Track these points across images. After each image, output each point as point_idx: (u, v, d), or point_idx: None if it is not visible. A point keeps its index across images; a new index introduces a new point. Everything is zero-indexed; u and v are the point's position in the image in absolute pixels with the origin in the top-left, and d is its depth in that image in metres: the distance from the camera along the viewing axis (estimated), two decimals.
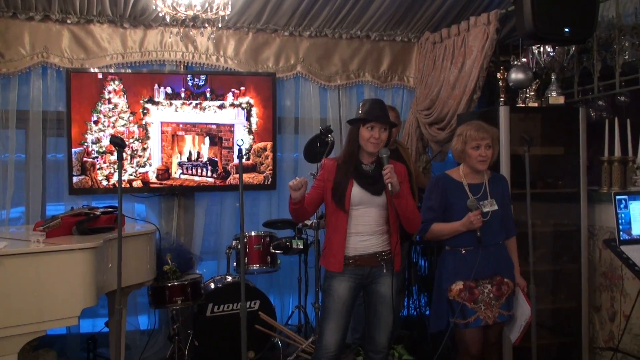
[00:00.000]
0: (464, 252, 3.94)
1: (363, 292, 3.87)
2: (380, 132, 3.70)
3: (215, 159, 5.80)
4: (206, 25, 5.10)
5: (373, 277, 3.79)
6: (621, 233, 3.71)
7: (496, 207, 3.95)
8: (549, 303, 5.10)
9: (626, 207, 3.74)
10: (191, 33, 5.77)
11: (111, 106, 5.58)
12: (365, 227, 3.75)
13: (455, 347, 4.15)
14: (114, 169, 5.56)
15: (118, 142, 3.33)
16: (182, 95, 5.73)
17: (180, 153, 5.74)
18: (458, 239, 3.95)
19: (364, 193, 3.69)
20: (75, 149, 5.51)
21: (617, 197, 3.74)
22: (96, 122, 5.55)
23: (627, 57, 4.94)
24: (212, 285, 5.43)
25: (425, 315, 5.81)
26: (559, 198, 5.10)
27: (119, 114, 5.60)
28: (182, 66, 5.87)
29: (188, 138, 5.76)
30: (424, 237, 4.12)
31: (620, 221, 3.71)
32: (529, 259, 3.87)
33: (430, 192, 4.04)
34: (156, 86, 5.67)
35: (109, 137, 5.23)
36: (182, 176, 5.75)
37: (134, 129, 5.63)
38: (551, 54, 5.09)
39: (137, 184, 5.65)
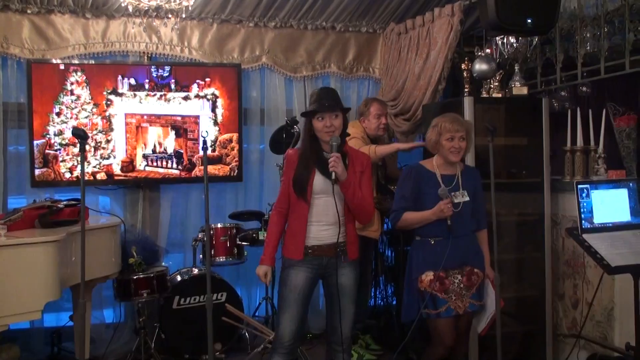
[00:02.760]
0: (433, 242, 3.98)
1: (323, 283, 3.88)
2: (332, 120, 3.68)
3: (181, 150, 5.76)
4: (170, 15, 5.06)
5: (332, 268, 3.76)
6: (583, 222, 3.75)
7: (467, 199, 4.00)
8: (513, 291, 5.16)
9: (588, 195, 3.78)
10: (154, 24, 5.71)
11: (74, 97, 5.49)
12: (326, 217, 3.74)
13: (424, 337, 4.18)
14: (77, 161, 5.48)
15: (80, 134, 3.29)
16: (146, 86, 5.66)
17: (145, 145, 5.68)
18: (428, 229, 3.99)
19: (325, 181, 3.67)
20: (37, 141, 5.42)
21: (579, 186, 3.78)
22: (58, 114, 5.46)
23: (588, 48, 5.00)
24: (179, 278, 5.41)
25: (392, 305, 5.85)
26: (522, 188, 5.15)
27: (81, 106, 5.51)
28: (145, 57, 5.80)
29: (153, 130, 5.70)
30: (396, 226, 4.13)
31: (582, 210, 3.76)
32: (494, 248, 3.90)
33: (403, 181, 4.08)
34: (120, 77, 5.59)
35: (71, 129, 5.15)
36: (147, 168, 5.69)
37: (97, 120, 5.56)
38: (514, 45, 5.14)
39: (101, 176, 5.58)
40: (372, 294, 5.94)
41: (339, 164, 3.56)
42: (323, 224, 3.75)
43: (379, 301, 6.04)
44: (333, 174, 3.56)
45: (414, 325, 3.98)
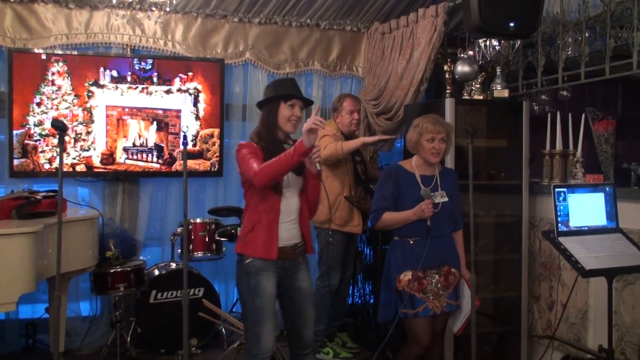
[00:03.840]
0: (412, 242, 4.01)
1: (281, 288, 3.64)
2: (299, 112, 3.63)
3: (162, 144, 5.74)
4: (153, 8, 5.03)
5: (292, 271, 3.64)
6: (559, 225, 3.78)
7: (447, 199, 4.05)
8: (490, 292, 5.19)
9: (565, 199, 3.81)
10: (138, 16, 5.68)
11: (55, 88, 5.45)
12: (290, 214, 3.62)
13: (401, 336, 4.20)
14: (56, 152, 5.44)
15: (59, 126, 3.26)
16: (129, 79, 5.63)
17: (126, 138, 5.65)
18: (407, 229, 4.02)
19: (292, 175, 3.57)
20: (17, 131, 5.37)
21: (557, 189, 3.81)
22: (39, 104, 5.42)
23: (570, 52, 5.04)
24: (156, 272, 5.40)
25: (369, 303, 5.88)
26: (502, 189, 5.19)
27: (62, 97, 5.48)
28: (129, 49, 5.77)
29: (134, 123, 5.67)
30: (375, 226, 4.16)
31: (558, 213, 3.78)
32: (471, 249, 3.93)
33: (384, 181, 4.10)
34: (102, 69, 5.56)
35: (51, 120, 5.11)
36: (127, 161, 5.66)
37: (78, 112, 5.52)
38: (497, 48, 5.16)
39: (80, 168, 5.55)
40: (350, 292, 5.95)
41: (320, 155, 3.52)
42: (289, 222, 3.61)
43: (357, 299, 6.06)
44: (317, 165, 3.51)
45: (392, 325, 4.00)
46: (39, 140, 5.44)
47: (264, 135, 3.62)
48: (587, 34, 4.86)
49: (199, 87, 5.81)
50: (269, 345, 3.53)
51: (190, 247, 5.45)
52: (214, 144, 5.86)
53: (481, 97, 5.15)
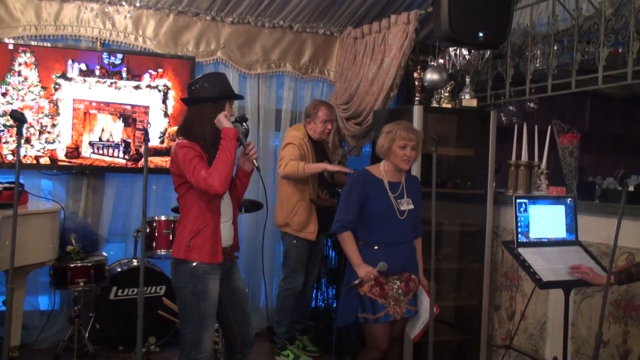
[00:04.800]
0: (376, 248, 4.01)
1: (221, 289, 3.57)
2: (232, 109, 3.61)
3: (128, 140, 5.68)
4: (123, 3, 4.97)
5: (230, 271, 3.63)
6: (519, 235, 3.80)
7: (412, 207, 4.08)
8: (452, 300, 5.22)
9: (526, 210, 3.84)
10: (108, 10, 5.61)
11: (21, 79, 5.36)
12: (227, 214, 3.60)
13: (361, 341, 4.20)
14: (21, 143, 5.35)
15: (18, 117, 3.19)
16: (97, 72, 5.56)
17: (92, 132, 5.58)
18: (372, 236, 4.04)
19: None
20: None
21: (518, 200, 3.83)
22: (4, 95, 5.33)
23: (538, 64, 5.09)
24: (118, 269, 5.35)
25: (332, 307, 5.86)
26: (467, 198, 5.22)
27: (28, 88, 5.39)
28: (98, 43, 5.69)
29: (101, 117, 5.60)
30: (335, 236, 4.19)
31: (519, 224, 3.81)
32: (431, 257, 3.94)
33: (352, 187, 4.08)
34: (70, 62, 5.48)
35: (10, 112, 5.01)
36: (93, 156, 5.59)
37: (44, 104, 5.44)
38: (467, 57, 5.19)
39: (44, 160, 5.46)
40: (313, 296, 5.94)
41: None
42: (226, 222, 3.58)
43: (320, 303, 6.05)
44: (255, 162, 3.53)
45: (351, 329, 4.00)
46: (3, 131, 5.35)
47: (206, 131, 3.50)
48: (555, 47, 4.91)
49: (169, 84, 5.77)
50: (208, 349, 3.52)
51: (154, 245, 5.38)
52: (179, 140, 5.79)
53: (450, 106, 5.17)
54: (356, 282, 3.95)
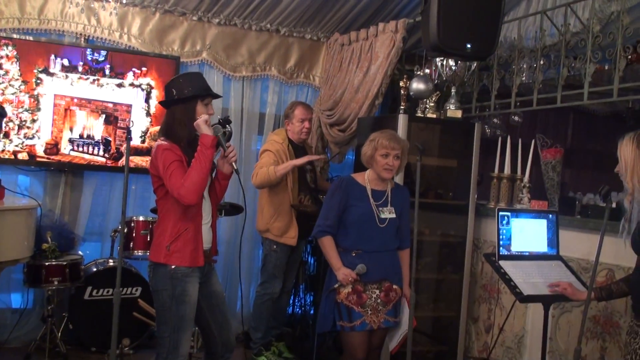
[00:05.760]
0: (354, 254, 3.99)
1: (199, 293, 3.51)
2: (211, 109, 3.52)
3: (109, 138, 5.60)
4: None
5: (208, 275, 3.59)
6: (501, 248, 3.79)
7: (394, 216, 4.06)
8: (430, 311, 5.21)
9: (508, 223, 3.83)
10: (93, 5, 5.53)
11: (2, 72, 5.27)
12: (209, 217, 3.55)
13: (338, 349, 4.17)
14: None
15: None
16: (80, 69, 5.49)
17: (72, 129, 5.50)
18: (351, 242, 4.01)
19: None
20: None
21: (500, 213, 3.82)
22: None
23: (524, 78, 5.10)
24: (94, 268, 5.28)
25: (309, 314, 5.83)
26: (448, 209, 5.21)
27: (9, 81, 5.30)
28: (82, 39, 5.62)
29: (82, 114, 5.53)
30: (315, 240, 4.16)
31: (501, 237, 3.80)
32: (412, 266, 3.91)
33: (333, 193, 4.08)
34: (53, 57, 5.40)
35: None
36: (72, 153, 5.51)
37: (25, 98, 5.35)
38: (453, 68, 5.18)
39: (22, 156, 5.37)
40: (291, 302, 5.90)
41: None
42: (206, 224, 3.52)
43: (297, 309, 6.01)
44: (234, 164, 3.48)
45: (328, 336, 3.97)
46: None
47: (184, 132, 3.43)
48: (542, 62, 4.93)
49: (152, 83, 5.71)
50: (186, 352, 3.47)
51: (131, 245, 5.33)
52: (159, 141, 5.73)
53: (434, 116, 5.17)
54: (335, 285, 3.93)
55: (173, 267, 3.38)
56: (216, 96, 3.63)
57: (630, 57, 4.35)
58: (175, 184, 3.29)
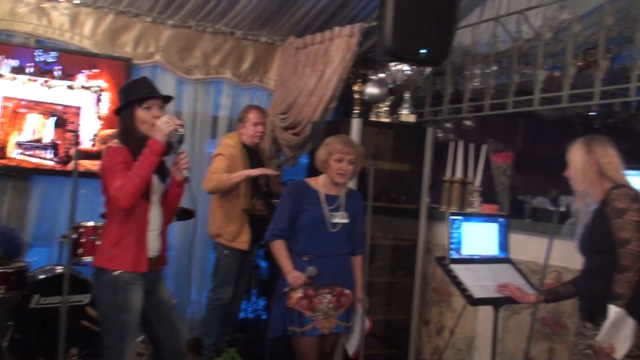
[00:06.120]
0: (306, 259, 3.97)
1: (145, 302, 3.43)
2: (159, 112, 3.40)
3: (58, 141, 5.48)
4: None
5: (154, 283, 3.51)
6: (452, 252, 3.82)
7: (347, 221, 4.05)
8: (382, 314, 5.22)
9: (459, 227, 3.86)
10: (44, 5, 5.42)
11: None
12: (156, 223, 3.47)
13: (290, 354, 4.15)
14: None
15: None
16: (29, 70, 5.36)
17: (20, 131, 5.38)
18: (301, 247, 4.00)
19: (158, 182, 3.46)
20: None
21: (452, 217, 3.86)
22: None
23: (477, 84, 5.16)
24: (41, 276, 5.12)
25: (262, 319, 5.79)
26: (401, 213, 5.24)
27: None
28: (32, 40, 5.50)
29: (31, 116, 5.39)
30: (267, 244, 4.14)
31: (452, 240, 3.83)
32: (365, 270, 3.92)
33: (287, 196, 4.07)
34: (1, 57, 5.26)
35: None
36: (20, 156, 5.38)
37: None
38: (407, 73, 5.22)
39: None
40: (243, 307, 5.86)
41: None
42: (153, 231, 3.45)
43: (250, 314, 5.97)
44: (186, 172, 3.40)
45: (280, 342, 3.96)
46: None
47: (129, 141, 3.39)
48: (494, 68, 4.99)
49: (104, 85, 5.60)
50: None
51: (80, 251, 5.19)
52: (111, 143, 5.64)
53: (388, 120, 5.20)
54: (286, 289, 3.91)
55: (115, 274, 3.31)
56: (161, 98, 3.52)
57: (580, 64, 4.45)
58: (114, 186, 3.23)
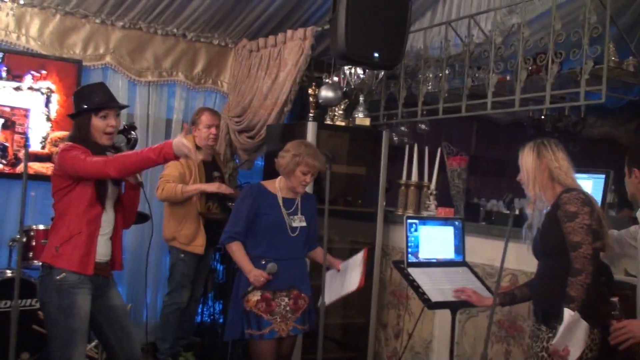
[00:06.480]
0: (264, 262, 3.94)
1: (94, 307, 3.39)
2: (115, 120, 3.42)
3: (6, 144, 5.34)
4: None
5: (104, 288, 3.46)
6: (409, 255, 3.83)
7: (304, 224, 4.06)
8: (339, 318, 5.22)
9: (416, 230, 3.87)
10: None
11: None
12: (108, 228, 3.45)
13: (248, 357, 4.12)
14: None
15: None
16: None
17: None
18: (261, 250, 3.97)
19: (112, 187, 3.44)
20: None
21: (409, 220, 3.86)
22: None
23: (430, 87, 5.20)
24: None
25: (218, 322, 5.74)
26: (357, 216, 5.25)
27: None
28: None
29: None
30: (223, 247, 4.08)
31: (409, 244, 3.83)
32: (323, 275, 3.90)
33: (243, 199, 4.03)
34: None
35: None
36: None
37: None
38: (361, 76, 5.23)
39: None
40: (199, 311, 5.80)
41: None
42: (105, 236, 3.43)
43: (206, 318, 5.91)
44: (139, 177, 3.40)
45: (238, 345, 3.92)
46: None
47: (86, 145, 3.36)
48: (447, 71, 5.04)
49: (53, 87, 5.47)
50: None
51: (30, 255, 5.09)
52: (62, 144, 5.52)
53: (343, 124, 5.20)
54: (249, 288, 3.87)
55: (60, 276, 3.26)
56: (118, 106, 3.53)
57: (530, 68, 4.52)
58: (98, 160, 3.22)
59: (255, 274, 3.87)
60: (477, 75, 4.87)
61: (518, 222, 3.47)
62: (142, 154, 3.23)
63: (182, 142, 3.17)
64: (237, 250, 3.97)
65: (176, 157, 3.23)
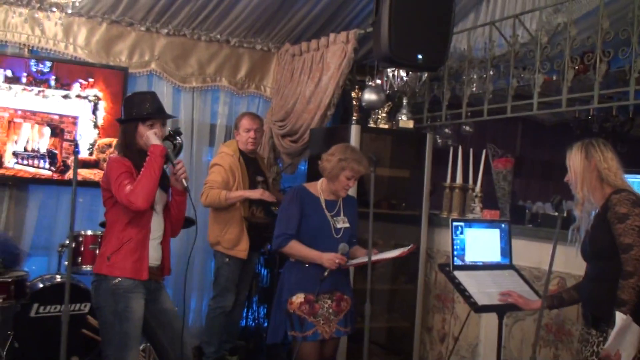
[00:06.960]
0: (307, 265, 3.95)
1: (146, 311, 3.45)
2: (161, 129, 3.50)
3: (55, 151, 5.45)
4: (54, 9, 4.78)
5: (156, 293, 3.52)
6: (455, 258, 3.79)
7: (348, 225, 4.05)
8: (384, 322, 5.20)
9: (462, 233, 3.84)
10: (37, 15, 5.37)
11: None
12: (158, 233, 3.52)
13: None
14: None
15: None
16: (24, 80, 5.32)
17: (16, 141, 5.34)
18: None
19: (160, 192, 3.48)
20: None
21: (454, 223, 3.83)
22: None
23: (474, 89, 5.15)
24: (40, 285, 5.10)
25: (263, 326, 5.77)
26: (401, 219, 5.22)
27: None
28: (26, 49, 5.47)
29: (26, 126, 5.36)
30: (279, 251, 4.07)
31: (455, 247, 3.80)
32: (368, 278, 3.89)
33: (289, 203, 4.03)
34: None
35: None
36: (17, 166, 5.34)
37: None
38: (404, 79, 5.21)
39: None
40: (244, 315, 5.83)
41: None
42: (156, 240, 3.49)
43: (251, 322, 5.95)
44: (184, 181, 3.44)
45: (281, 349, 3.93)
46: None
47: (129, 153, 3.47)
48: (491, 72, 4.98)
49: (100, 94, 5.57)
50: None
51: (79, 260, 5.18)
52: (111, 154, 5.62)
53: (387, 126, 5.18)
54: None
55: (115, 281, 3.33)
56: (165, 117, 3.61)
57: (577, 67, 4.43)
58: (125, 192, 3.28)
59: (329, 257, 3.84)
60: (522, 75, 4.80)
61: (565, 224, 3.41)
62: (144, 173, 3.31)
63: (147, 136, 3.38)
64: (296, 246, 3.94)
65: (163, 147, 3.38)
